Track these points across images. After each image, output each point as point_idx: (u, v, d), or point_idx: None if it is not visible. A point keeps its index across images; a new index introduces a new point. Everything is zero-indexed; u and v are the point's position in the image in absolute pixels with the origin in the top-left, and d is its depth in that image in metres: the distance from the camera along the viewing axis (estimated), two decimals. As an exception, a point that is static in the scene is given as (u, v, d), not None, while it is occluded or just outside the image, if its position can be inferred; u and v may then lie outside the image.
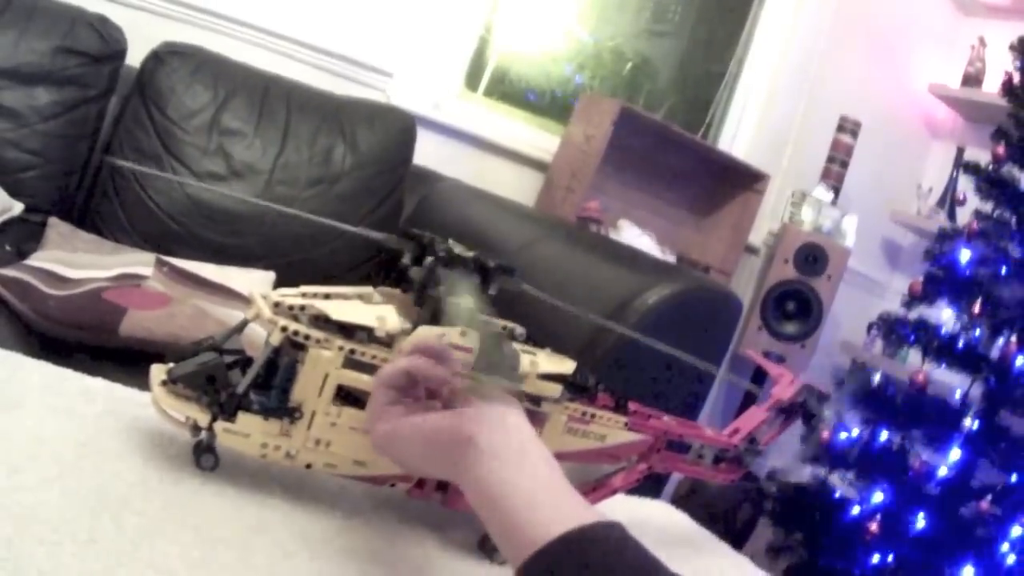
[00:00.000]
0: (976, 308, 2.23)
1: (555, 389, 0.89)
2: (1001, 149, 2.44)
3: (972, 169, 2.50)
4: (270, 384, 0.81)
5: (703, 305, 1.79)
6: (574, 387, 0.91)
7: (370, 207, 2.34)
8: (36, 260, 1.61)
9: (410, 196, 2.46)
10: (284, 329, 0.79)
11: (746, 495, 2.95)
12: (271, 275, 1.97)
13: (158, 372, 0.82)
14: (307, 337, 0.80)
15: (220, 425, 0.80)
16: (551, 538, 0.62)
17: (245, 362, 0.85)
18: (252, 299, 0.84)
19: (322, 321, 0.81)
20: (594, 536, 0.63)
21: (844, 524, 2.15)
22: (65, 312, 1.42)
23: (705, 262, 3.35)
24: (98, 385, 0.95)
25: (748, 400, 3.47)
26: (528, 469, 0.70)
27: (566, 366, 0.90)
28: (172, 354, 0.84)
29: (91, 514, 0.71)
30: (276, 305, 0.82)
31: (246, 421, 0.81)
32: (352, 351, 0.81)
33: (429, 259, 0.85)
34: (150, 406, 0.82)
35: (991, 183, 2.40)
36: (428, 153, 2.60)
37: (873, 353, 3.24)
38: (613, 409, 0.96)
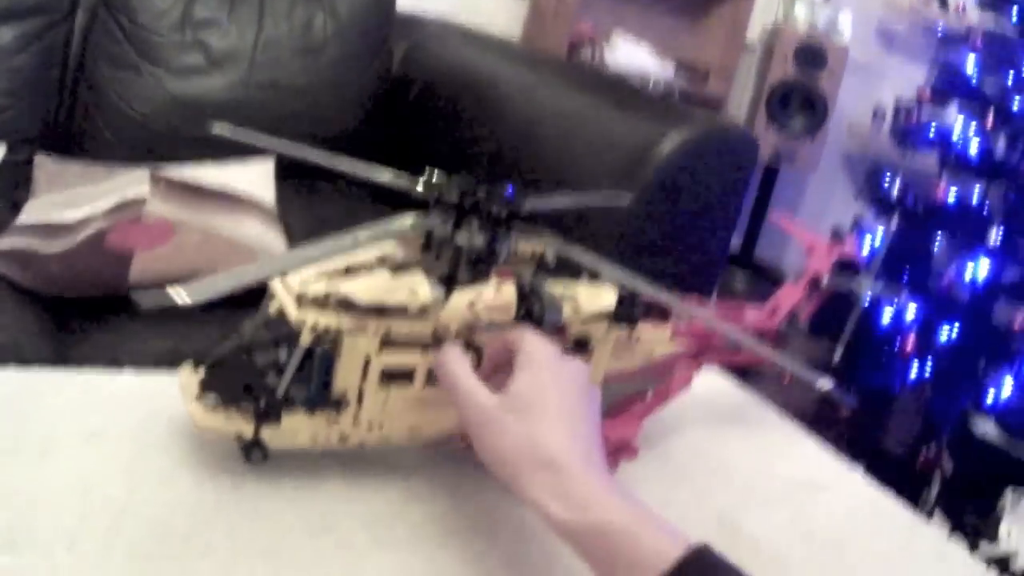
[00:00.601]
0: (989, 120, 2.17)
1: (600, 328, 0.86)
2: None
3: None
4: (306, 369, 0.78)
5: (720, 149, 1.74)
6: (619, 318, 0.87)
7: (358, 71, 2.27)
8: (28, 215, 1.56)
9: (395, 49, 2.37)
10: (314, 328, 0.75)
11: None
12: (270, 163, 1.91)
13: (189, 382, 0.78)
14: (339, 330, 0.76)
15: (266, 432, 0.77)
16: None
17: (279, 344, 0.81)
18: (274, 292, 0.79)
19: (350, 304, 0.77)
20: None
21: (879, 338, 2.15)
22: (70, 272, 1.38)
23: (704, 64, 3.28)
24: (126, 384, 0.91)
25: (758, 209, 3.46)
26: None
27: (607, 298, 0.86)
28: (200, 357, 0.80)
29: (160, 572, 0.69)
30: (299, 297, 0.77)
31: (291, 421, 0.77)
32: (387, 331, 0.77)
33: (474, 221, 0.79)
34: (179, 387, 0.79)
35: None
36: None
37: (880, 140, 3.19)
38: (656, 317, 0.93)
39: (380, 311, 0.76)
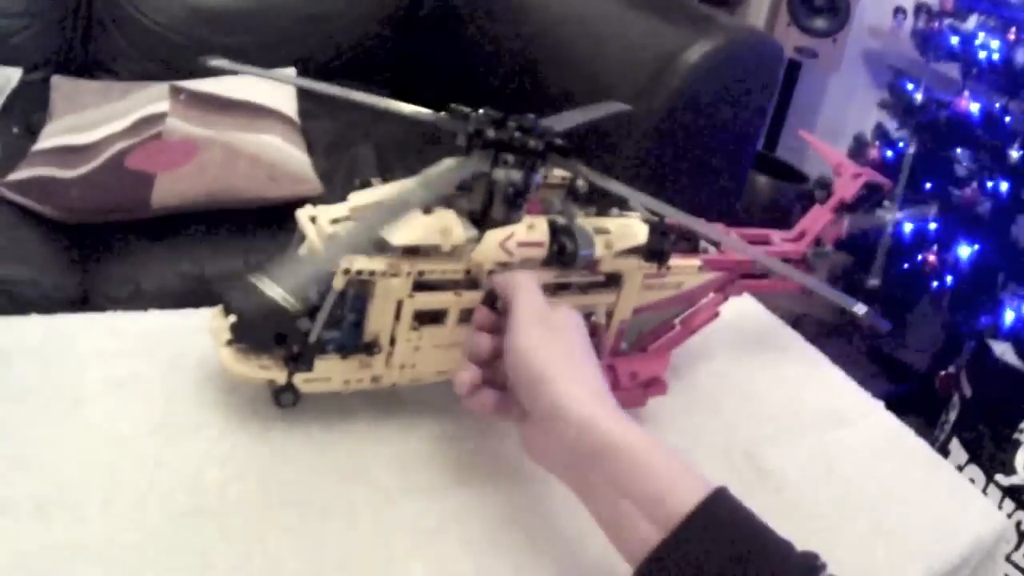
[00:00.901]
0: (1011, 35, 2.10)
1: (632, 263, 0.84)
2: None
3: None
4: (339, 316, 0.77)
5: (746, 59, 1.70)
6: (651, 254, 0.86)
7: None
8: (46, 139, 1.53)
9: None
10: (347, 272, 0.74)
11: (798, 195, 2.95)
12: (291, 71, 1.89)
13: (219, 327, 0.77)
14: (372, 273, 0.75)
15: (299, 377, 0.77)
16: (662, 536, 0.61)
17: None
18: (304, 230, 0.78)
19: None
20: (701, 525, 0.61)
21: (900, 249, 2.13)
22: (91, 196, 1.36)
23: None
24: (152, 324, 0.91)
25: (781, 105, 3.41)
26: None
27: (639, 233, 0.84)
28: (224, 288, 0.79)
29: (196, 531, 0.69)
30: (331, 238, 0.75)
31: (324, 366, 0.77)
32: (421, 273, 0.76)
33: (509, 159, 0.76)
34: (207, 331, 0.79)
35: None
36: None
37: (901, 43, 3.12)
38: (684, 250, 0.92)
39: (413, 251, 0.75)
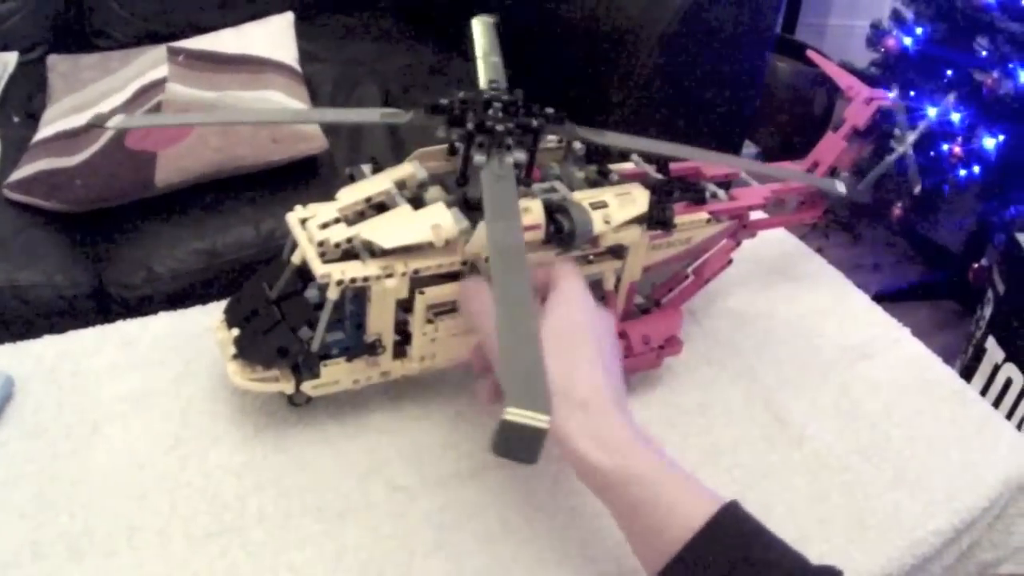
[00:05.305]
0: None
1: (634, 234, 0.83)
2: None
3: None
4: (341, 319, 0.77)
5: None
6: (654, 223, 0.84)
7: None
8: (46, 126, 1.52)
9: None
10: (340, 283, 0.73)
11: (818, 79, 2.89)
12: (289, 17, 1.86)
13: (224, 339, 0.78)
14: (366, 279, 0.74)
15: (307, 384, 0.77)
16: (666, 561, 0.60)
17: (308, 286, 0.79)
18: (297, 240, 0.77)
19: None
20: (708, 549, 0.60)
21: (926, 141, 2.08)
22: (95, 186, 1.35)
23: None
24: (161, 330, 0.91)
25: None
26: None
27: (639, 203, 0.82)
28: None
29: (220, 553, 0.70)
30: (321, 244, 0.75)
31: (330, 371, 0.77)
32: (416, 271, 0.76)
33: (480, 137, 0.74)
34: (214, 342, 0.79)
35: None
36: None
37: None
38: (690, 202, 0.90)
39: (406, 249, 0.75)
